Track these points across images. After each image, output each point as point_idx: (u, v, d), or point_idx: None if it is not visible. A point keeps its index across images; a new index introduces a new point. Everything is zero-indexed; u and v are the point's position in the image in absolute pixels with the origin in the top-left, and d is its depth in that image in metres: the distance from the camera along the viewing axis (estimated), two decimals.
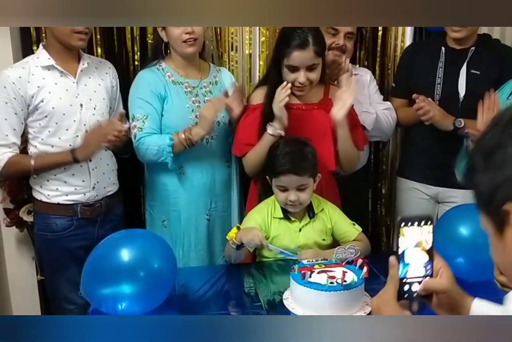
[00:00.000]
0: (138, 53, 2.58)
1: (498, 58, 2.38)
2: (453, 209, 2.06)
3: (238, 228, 1.89)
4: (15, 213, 2.37)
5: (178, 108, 2.22)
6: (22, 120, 2.04)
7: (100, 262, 1.57)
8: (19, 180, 2.29)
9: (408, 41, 2.74)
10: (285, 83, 2.07)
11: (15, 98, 1.99)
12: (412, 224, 1.69)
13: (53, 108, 2.03)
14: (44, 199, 2.12)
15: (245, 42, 2.59)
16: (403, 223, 1.69)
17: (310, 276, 1.64)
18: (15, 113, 2.01)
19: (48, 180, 2.10)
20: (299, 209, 2.03)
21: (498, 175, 0.80)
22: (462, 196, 2.31)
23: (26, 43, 2.46)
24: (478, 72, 2.36)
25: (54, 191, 2.11)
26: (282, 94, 2.04)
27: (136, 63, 2.58)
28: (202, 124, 2.13)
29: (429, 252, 1.30)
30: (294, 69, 2.08)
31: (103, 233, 2.08)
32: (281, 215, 2.04)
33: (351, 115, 2.19)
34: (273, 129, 2.08)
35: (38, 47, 2.41)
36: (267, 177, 2.07)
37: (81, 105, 2.08)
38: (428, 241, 1.70)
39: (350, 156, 2.22)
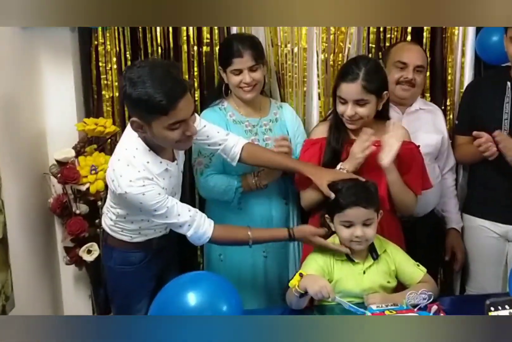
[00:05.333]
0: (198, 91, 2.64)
1: None
2: None
3: (301, 275, 1.82)
4: (74, 251, 2.44)
5: None
6: None
7: (166, 307, 1.56)
8: (80, 220, 2.38)
9: (467, 75, 2.68)
10: (367, 130, 2.08)
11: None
12: (502, 308, 1.66)
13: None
14: (126, 240, 2.14)
15: (301, 80, 2.62)
16: (492, 308, 1.61)
17: None
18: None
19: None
20: (364, 247, 1.96)
21: None
22: None
23: None
24: None
25: (137, 235, 2.12)
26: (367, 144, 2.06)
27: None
28: (271, 173, 2.25)
29: None
30: (343, 101, 2.11)
31: (168, 261, 2.21)
32: (344, 257, 1.98)
33: (415, 157, 2.17)
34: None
35: None
36: (326, 216, 2.02)
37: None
38: None
39: (403, 200, 2.17)
